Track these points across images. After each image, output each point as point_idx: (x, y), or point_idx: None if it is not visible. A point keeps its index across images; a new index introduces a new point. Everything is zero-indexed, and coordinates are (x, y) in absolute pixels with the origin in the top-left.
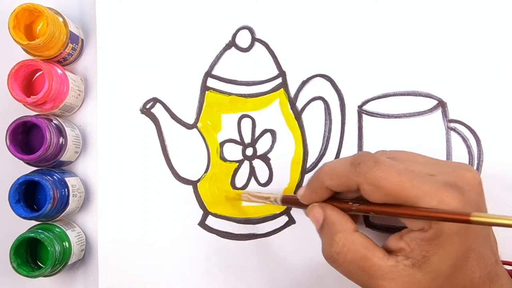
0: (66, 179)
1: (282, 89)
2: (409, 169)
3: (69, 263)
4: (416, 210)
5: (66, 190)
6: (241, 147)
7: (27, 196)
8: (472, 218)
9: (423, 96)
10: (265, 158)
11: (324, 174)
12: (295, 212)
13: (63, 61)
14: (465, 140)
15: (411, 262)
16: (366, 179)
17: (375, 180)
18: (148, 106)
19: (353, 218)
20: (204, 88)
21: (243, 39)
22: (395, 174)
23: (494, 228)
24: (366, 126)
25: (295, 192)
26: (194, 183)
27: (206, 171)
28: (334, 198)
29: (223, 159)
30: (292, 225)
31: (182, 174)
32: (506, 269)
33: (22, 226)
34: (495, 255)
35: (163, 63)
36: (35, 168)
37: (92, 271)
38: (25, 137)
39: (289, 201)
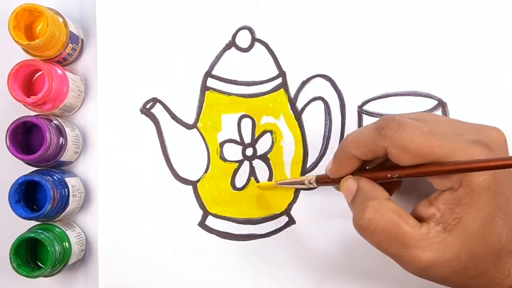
0: (66, 179)
1: (282, 89)
2: (435, 129)
3: (69, 263)
4: (451, 165)
5: (66, 190)
6: (241, 147)
7: (27, 196)
8: None
9: (423, 96)
10: (265, 158)
11: (349, 143)
12: (295, 212)
13: (63, 61)
14: None
15: (442, 227)
16: (392, 143)
17: (401, 143)
18: (148, 106)
19: (388, 188)
20: (204, 88)
21: (243, 39)
22: (421, 135)
23: None
24: None
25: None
26: (194, 183)
27: (206, 171)
28: (365, 169)
29: (223, 159)
30: (292, 225)
31: (182, 174)
32: None
33: (22, 226)
34: None
35: (163, 63)
36: (35, 168)
37: (92, 271)
38: (25, 137)
39: (323, 180)
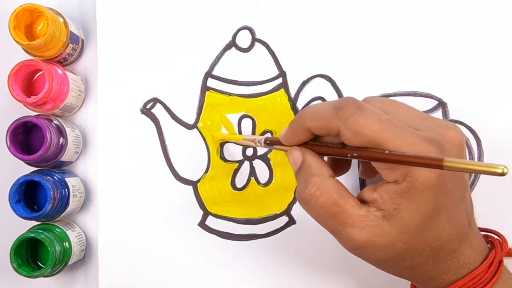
0: (67, 179)
1: (282, 89)
2: (393, 120)
3: (69, 263)
4: (391, 155)
5: (66, 190)
6: (241, 147)
7: (28, 196)
8: (445, 163)
9: (423, 96)
10: (265, 158)
11: (306, 115)
12: (296, 212)
13: (64, 61)
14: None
15: (381, 213)
16: (346, 125)
17: (355, 126)
18: (148, 106)
19: (337, 168)
20: (205, 88)
21: (244, 39)
22: (376, 122)
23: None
24: None
25: None
26: (194, 183)
27: (206, 171)
28: (315, 143)
29: (223, 159)
30: (292, 225)
31: (182, 174)
32: (482, 234)
33: (23, 226)
34: (468, 217)
35: (163, 63)
36: (35, 168)
37: (92, 271)
38: (25, 137)
39: (272, 142)
